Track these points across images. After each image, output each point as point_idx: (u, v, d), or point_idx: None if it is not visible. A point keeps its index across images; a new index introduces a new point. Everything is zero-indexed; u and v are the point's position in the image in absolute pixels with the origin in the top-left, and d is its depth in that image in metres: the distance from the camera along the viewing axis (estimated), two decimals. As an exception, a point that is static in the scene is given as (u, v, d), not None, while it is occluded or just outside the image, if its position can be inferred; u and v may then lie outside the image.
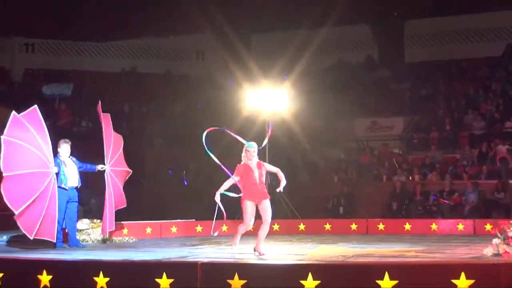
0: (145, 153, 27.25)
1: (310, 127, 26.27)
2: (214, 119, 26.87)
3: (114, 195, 15.99)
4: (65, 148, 15.14)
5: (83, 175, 15.54)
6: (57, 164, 14.81)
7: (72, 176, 15.08)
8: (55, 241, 14.65)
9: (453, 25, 30.28)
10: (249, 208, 12.91)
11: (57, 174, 14.77)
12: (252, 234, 13.58)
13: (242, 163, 13.26)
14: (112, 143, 16.11)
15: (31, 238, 14.18)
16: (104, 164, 15.75)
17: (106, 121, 16.02)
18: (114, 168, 16.04)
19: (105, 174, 15.79)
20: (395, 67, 30.56)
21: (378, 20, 30.45)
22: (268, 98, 21.16)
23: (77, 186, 15.25)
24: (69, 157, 15.20)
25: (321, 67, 30.10)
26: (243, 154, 13.28)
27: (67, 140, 15.30)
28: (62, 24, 29.02)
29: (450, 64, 29.61)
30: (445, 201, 21.57)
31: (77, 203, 15.28)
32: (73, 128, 27.02)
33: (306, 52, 26.51)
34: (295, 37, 28.06)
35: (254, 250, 12.78)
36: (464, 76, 28.86)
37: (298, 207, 20.20)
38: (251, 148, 13.22)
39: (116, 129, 17.06)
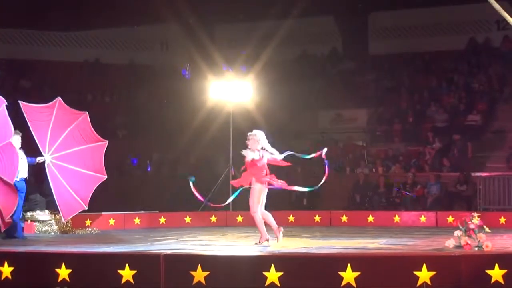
0: (109, 144, 27.04)
1: (275, 119, 26.26)
2: (178, 110, 26.85)
3: (75, 179, 15.94)
4: (15, 139, 14.89)
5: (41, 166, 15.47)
6: None
7: (23, 168, 14.92)
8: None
9: (417, 18, 30.36)
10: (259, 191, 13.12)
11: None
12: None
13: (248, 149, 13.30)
14: (51, 130, 15.95)
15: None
16: (42, 156, 15.63)
17: (32, 111, 15.86)
18: (60, 153, 15.94)
19: (45, 166, 15.67)
20: (359, 59, 30.61)
21: (342, 12, 30.46)
22: (232, 89, 21.11)
23: (26, 178, 15.12)
24: (20, 149, 15.01)
25: (285, 58, 30.07)
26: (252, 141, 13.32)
27: (18, 132, 15.07)
28: (25, 13, 28.68)
29: (414, 56, 29.72)
30: (407, 193, 21.70)
31: (24, 195, 15.17)
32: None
33: (271, 43, 26.48)
34: (260, 28, 28.00)
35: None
36: (427, 69, 28.98)
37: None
38: (254, 135, 13.55)
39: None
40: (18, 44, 31.16)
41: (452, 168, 22.58)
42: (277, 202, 20.92)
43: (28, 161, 15.25)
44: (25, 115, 15.66)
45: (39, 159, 15.53)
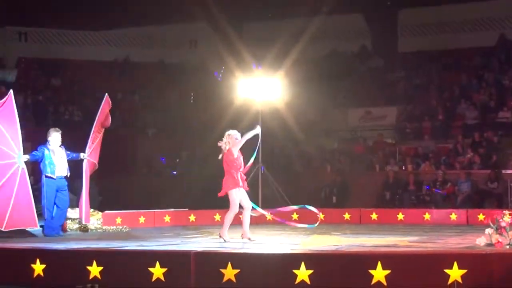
0: (138, 142, 27.24)
1: (304, 117, 26.26)
2: (207, 108, 26.91)
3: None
4: (55, 136, 15.00)
5: (73, 164, 15.49)
6: (41, 152, 14.74)
7: (60, 165, 14.93)
8: (37, 227, 14.66)
9: (447, 14, 30.20)
10: (237, 195, 13.35)
11: (41, 162, 14.75)
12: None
13: (226, 149, 13.49)
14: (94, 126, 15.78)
15: (3, 229, 14.14)
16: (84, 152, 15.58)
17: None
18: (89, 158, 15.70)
19: (83, 163, 15.57)
20: (389, 57, 30.50)
21: (371, 9, 30.37)
22: (261, 87, 21.10)
23: (66, 175, 15.15)
24: (60, 146, 15.08)
25: (314, 56, 30.02)
26: (226, 141, 13.48)
27: (58, 129, 15.18)
28: (55, 13, 28.91)
29: (443, 53, 29.57)
30: (438, 190, 21.58)
31: (67, 191, 15.18)
32: (65, 116, 26.92)
33: (300, 41, 26.46)
34: (289, 26, 27.99)
35: (242, 237, 13.26)
36: (457, 66, 28.80)
37: (291, 197, 20.18)
38: (238, 136, 13.52)
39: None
40: (49, 43, 31.43)
41: (483, 165, 22.42)
42: (307, 200, 20.99)
43: (72, 157, 15.25)
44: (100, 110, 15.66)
45: (82, 155, 15.45)
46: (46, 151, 14.82)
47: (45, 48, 30.98)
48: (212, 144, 24.13)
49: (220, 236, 13.39)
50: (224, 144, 13.56)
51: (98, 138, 15.90)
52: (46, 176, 14.80)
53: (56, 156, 14.89)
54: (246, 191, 13.63)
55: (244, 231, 13.44)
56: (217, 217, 19.07)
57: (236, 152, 13.50)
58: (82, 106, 27.25)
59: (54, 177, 14.82)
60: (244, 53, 26.44)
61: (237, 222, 13.73)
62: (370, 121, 27.59)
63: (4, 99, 14.42)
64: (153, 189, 23.61)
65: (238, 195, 13.37)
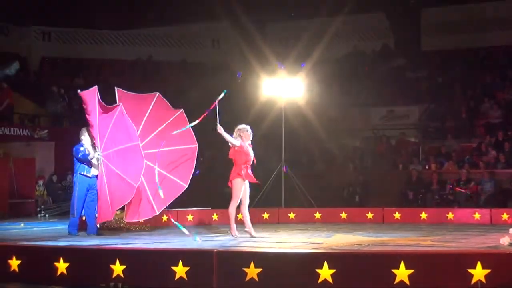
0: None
1: (326, 116, 26.23)
2: (230, 107, 26.91)
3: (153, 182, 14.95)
4: (88, 135, 15.02)
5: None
6: (82, 151, 14.80)
7: (94, 165, 14.95)
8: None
9: (470, 13, 30.13)
10: (240, 185, 13.66)
11: (80, 161, 14.82)
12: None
13: (238, 143, 13.83)
14: (143, 125, 15.20)
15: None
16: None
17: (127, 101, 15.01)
18: (145, 151, 14.81)
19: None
20: (411, 56, 30.41)
21: (394, 8, 30.32)
22: (284, 86, 21.13)
23: (97, 175, 15.08)
24: (92, 145, 15.03)
25: (337, 55, 30.03)
26: (239, 135, 13.95)
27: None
28: (78, 12, 29.09)
29: (466, 52, 29.46)
30: (461, 189, 21.49)
31: (96, 192, 15.06)
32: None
33: (322, 41, 26.46)
34: (311, 25, 27.99)
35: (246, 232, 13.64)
36: (481, 65, 28.70)
37: (314, 195, 20.19)
38: (249, 129, 13.97)
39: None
40: (72, 43, 31.61)
41: (507, 164, 22.31)
42: (329, 199, 21.00)
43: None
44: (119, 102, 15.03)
45: (90, 157, 15.30)
46: (84, 149, 14.85)
47: (68, 48, 31.17)
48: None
49: (232, 234, 13.65)
50: (234, 136, 13.94)
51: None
52: (80, 175, 14.85)
53: (90, 155, 14.85)
54: (253, 183, 13.70)
55: (249, 227, 13.78)
56: (240, 216, 19.07)
57: (245, 146, 13.77)
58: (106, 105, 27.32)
59: (90, 175, 14.87)
60: (267, 53, 26.45)
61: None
62: (392, 120, 27.54)
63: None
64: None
65: (241, 187, 13.59)
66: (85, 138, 15.00)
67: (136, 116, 14.98)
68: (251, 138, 13.99)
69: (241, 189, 13.61)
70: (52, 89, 27.04)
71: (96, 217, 14.96)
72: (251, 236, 13.64)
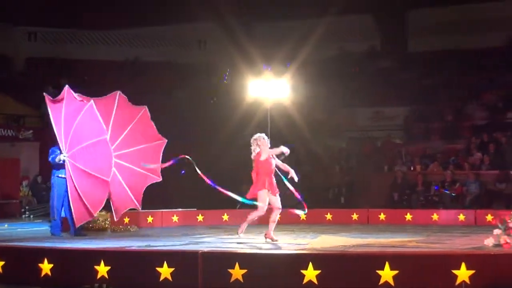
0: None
1: (312, 117, 26.24)
2: (216, 108, 26.93)
3: (129, 180, 15.75)
4: None
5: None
6: (56, 155, 14.77)
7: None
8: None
9: (456, 15, 30.16)
10: (266, 196, 13.27)
11: (57, 163, 14.78)
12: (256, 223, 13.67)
13: (255, 153, 13.44)
14: (111, 127, 15.56)
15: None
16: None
17: (55, 105, 15.20)
18: (118, 152, 15.55)
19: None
20: (398, 57, 30.47)
21: (381, 9, 30.36)
22: (270, 87, 21.13)
23: None
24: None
25: (323, 56, 30.03)
26: (256, 144, 13.48)
27: None
28: (65, 12, 29.00)
29: (453, 54, 29.51)
30: (446, 191, 21.54)
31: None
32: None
33: (309, 42, 26.46)
34: (298, 27, 28.00)
35: (266, 237, 13.35)
36: (467, 67, 28.77)
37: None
38: (265, 137, 13.63)
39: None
40: (58, 43, 31.49)
41: (492, 166, 22.38)
42: (315, 200, 20.98)
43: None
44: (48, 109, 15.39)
45: (58, 159, 15.36)
46: (58, 153, 14.83)
47: (54, 48, 31.05)
48: (221, 144, 24.34)
49: (238, 234, 13.56)
50: (253, 150, 13.54)
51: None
52: (58, 177, 14.84)
53: None
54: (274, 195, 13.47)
55: (268, 231, 13.46)
56: (225, 217, 19.10)
57: (265, 155, 13.40)
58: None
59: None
60: (253, 54, 26.44)
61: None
62: (379, 121, 27.57)
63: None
64: (162, 189, 23.57)
65: (267, 197, 13.30)
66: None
67: (103, 118, 15.15)
68: (268, 145, 13.64)
69: (267, 200, 13.33)
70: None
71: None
72: (273, 240, 13.32)
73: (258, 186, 13.32)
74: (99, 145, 14.62)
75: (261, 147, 13.46)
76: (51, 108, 14.88)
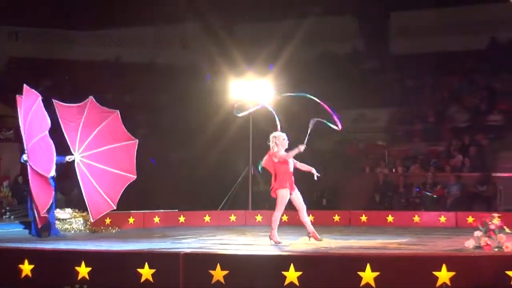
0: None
1: (295, 119, 26.21)
2: (198, 109, 26.86)
3: (104, 178, 15.94)
4: None
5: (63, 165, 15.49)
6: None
7: None
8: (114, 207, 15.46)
9: (439, 17, 30.25)
10: (287, 195, 13.18)
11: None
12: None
13: (274, 152, 13.34)
14: (81, 128, 15.90)
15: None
16: (72, 154, 15.65)
17: (64, 110, 15.85)
18: (89, 152, 15.88)
19: (75, 164, 15.63)
20: (381, 59, 30.52)
21: (363, 11, 30.39)
22: (252, 89, 21.09)
23: (54, 176, 15.15)
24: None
25: (306, 57, 30.02)
26: (274, 143, 13.42)
27: None
28: (46, 12, 28.86)
29: (435, 56, 29.58)
30: (427, 193, 21.60)
31: (54, 193, 15.18)
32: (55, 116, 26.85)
33: (291, 43, 26.45)
34: (281, 28, 27.98)
35: (310, 237, 13.14)
36: (449, 69, 28.85)
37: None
38: (285, 137, 13.62)
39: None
40: (39, 43, 31.32)
41: (473, 168, 22.47)
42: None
43: (57, 160, 15.24)
44: (57, 113, 15.66)
45: (68, 158, 15.49)
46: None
47: (36, 48, 30.89)
48: (202, 145, 24.31)
49: (271, 239, 13.08)
50: (271, 147, 13.43)
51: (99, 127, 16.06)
52: None
53: None
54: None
55: (309, 232, 13.28)
56: (207, 218, 19.07)
57: (279, 157, 13.30)
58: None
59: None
60: (235, 55, 26.40)
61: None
62: (362, 123, 27.59)
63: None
64: (143, 190, 23.54)
65: (286, 196, 13.20)
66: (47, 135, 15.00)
67: (74, 122, 15.78)
68: (286, 146, 13.57)
69: (287, 199, 13.22)
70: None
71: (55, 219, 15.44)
72: (318, 240, 13.11)
73: (278, 186, 13.19)
74: (43, 140, 14.83)
75: (278, 147, 13.39)
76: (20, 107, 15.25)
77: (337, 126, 13.73)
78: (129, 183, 16.35)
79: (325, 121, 14.01)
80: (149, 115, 28.49)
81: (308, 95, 14.52)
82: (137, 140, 16.67)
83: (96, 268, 9.00)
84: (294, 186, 13.44)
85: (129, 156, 16.45)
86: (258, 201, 20.33)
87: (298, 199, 13.41)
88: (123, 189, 16.23)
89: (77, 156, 15.66)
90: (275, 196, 13.28)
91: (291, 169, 13.48)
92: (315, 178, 13.63)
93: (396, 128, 26.80)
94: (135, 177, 16.39)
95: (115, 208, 16.23)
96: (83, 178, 15.61)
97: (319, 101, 14.25)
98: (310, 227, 13.31)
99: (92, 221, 16.08)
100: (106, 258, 9.41)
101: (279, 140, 13.48)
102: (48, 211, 14.82)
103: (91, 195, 15.66)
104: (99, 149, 16.09)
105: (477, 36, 29.17)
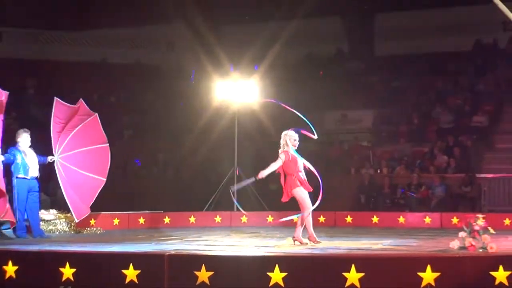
0: (114, 144, 27.01)
1: (280, 119, 26.22)
2: (184, 110, 26.86)
3: (78, 181, 15.96)
4: (25, 137, 14.98)
5: (47, 165, 15.47)
6: (13, 155, 14.68)
7: (33, 166, 14.93)
8: (14, 220, 14.60)
9: (423, 19, 30.32)
10: (303, 192, 13.14)
11: (12, 164, 14.68)
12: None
13: (284, 150, 13.17)
14: (64, 130, 15.97)
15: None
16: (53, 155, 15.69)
17: (61, 110, 15.87)
18: (66, 154, 15.90)
19: (55, 165, 15.65)
20: (365, 60, 30.57)
21: (348, 12, 30.44)
22: (238, 90, 21.11)
23: (37, 176, 15.11)
24: (29, 147, 15.05)
25: (291, 58, 30.04)
26: (285, 142, 13.25)
27: (27, 130, 15.14)
28: (31, 13, 28.73)
29: (419, 58, 29.67)
30: (412, 194, 21.65)
31: (38, 193, 15.15)
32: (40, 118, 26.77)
33: (277, 44, 26.46)
34: (266, 29, 27.98)
35: (310, 240, 13.08)
36: (433, 70, 28.95)
37: (266, 199, 20.19)
38: (297, 138, 13.35)
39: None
40: (24, 43, 31.18)
41: (457, 169, 22.55)
42: (282, 203, 20.93)
43: (39, 160, 15.22)
44: (53, 111, 15.64)
45: (50, 158, 15.49)
46: (17, 152, 14.76)
47: (20, 48, 30.76)
48: (188, 146, 24.30)
49: (310, 241, 13.04)
50: (282, 145, 13.31)
51: (76, 129, 16.05)
52: (18, 178, 14.73)
53: (27, 157, 14.88)
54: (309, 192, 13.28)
55: (309, 234, 13.23)
56: (192, 219, 19.07)
57: (286, 157, 13.20)
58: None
59: (28, 177, 14.79)
60: (221, 56, 26.39)
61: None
62: (346, 124, 27.64)
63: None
64: (129, 191, 23.52)
65: (304, 192, 13.14)
66: (21, 140, 14.95)
67: (63, 123, 15.96)
68: (295, 146, 13.46)
69: (307, 195, 13.13)
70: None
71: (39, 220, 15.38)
72: (301, 244, 13.00)
73: (291, 186, 13.10)
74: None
75: (289, 146, 13.28)
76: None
77: (313, 134, 13.57)
78: (101, 186, 16.48)
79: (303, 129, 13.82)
80: (135, 115, 28.45)
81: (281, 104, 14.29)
82: (107, 144, 16.83)
83: (80, 269, 8.98)
84: (308, 185, 13.34)
85: (102, 160, 16.57)
86: (243, 202, 20.32)
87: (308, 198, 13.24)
88: (97, 193, 16.39)
89: (56, 157, 15.64)
90: (286, 199, 13.19)
91: (301, 168, 13.28)
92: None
93: (381, 129, 26.85)
94: (105, 180, 16.53)
95: (89, 212, 16.31)
96: (62, 179, 15.61)
97: (295, 111, 14.02)
98: (300, 231, 13.22)
99: (76, 221, 16.06)
100: (91, 259, 9.38)
101: (290, 140, 13.34)
102: (14, 213, 14.72)
103: (71, 196, 15.70)
104: (74, 151, 16.11)
105: (462, 38, 29.29)
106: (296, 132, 13.36)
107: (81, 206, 15.99)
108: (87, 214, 16.25)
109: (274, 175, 13.46)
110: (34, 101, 27.56)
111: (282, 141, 13.30)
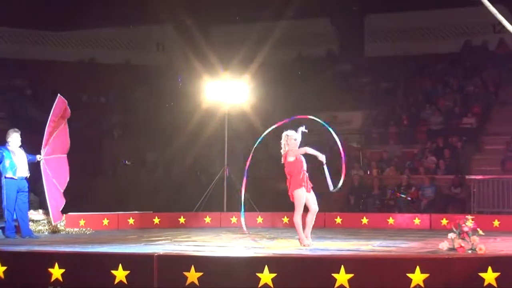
0: (104, 144, 27.02)
1: (270, 120, 26.21)
2: (174, 110, 26.83)
3: (58, 182, 15.93)
4: (15, 137, 14.92)
5: (35, 165, 15.42)
6: (0, 154, 14.63)
7: (21, 166, 14.87)
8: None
9: (413, 20, 30.39)
10: (303, 195, 13.11)
11: (0, 164, 14.63)
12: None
13: (285, 150, 13.28)
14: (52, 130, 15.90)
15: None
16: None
17: (60, 109, 15.87)
18: (48, 156, 15.81)
19: (41, 164, 15.61)
20: (355, 61, 30.60)
21: (338, 14, 30.46)
22: (228, 90, 21.10)
23: (27, 176, 15.07)
24: (19, 147, 15.00)
25: (281, 59, 30.05)
26: (285, 142, 13.32)
27: (17, 130, 15.08)
28: (19, 12, 28.62)
29: (409, 59, 29.73)
30: (402, 195, 21.68)
31: (27, 194, 15.11)
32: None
33: (267, 45, 26.46)
34: (256, 29, 27.99)
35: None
36: (423, 72, 29.02)
37: (256, 200, 20.18)
38: (296, 136, 13.40)
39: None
40: (12, 43, 31.08)
41: (447, 170, 22.59)
42: (271, 204, 20.99)
43: (29, 159, 15.18)
44: (53, 108, 15.62)
45: (39, 157, 15.45)
46: (6, 152, 14.71)
47: (7, 48, 30.65)
48: (178, 146, 24.27)
49: (303, 245, 12.90)
50: (283, 146, 13.33)
51: (56, 131, 15.94)
52: (6, 177, 14.68)
53: (16, 157, 14.81)
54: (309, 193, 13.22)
55: (305, 234, 13.10)
56: (182, 219, 19.03)
57: (292, 157, 13.24)
58: (46, 107, 26.94)
59: (16, 177, 14.73)
60: (211, 56, 26.37)
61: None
62: (336, 125, 27.61)
63: None
64: (118, 191, 23.48)
65: (303, 195, 13.07)
66: (11, 140, 14.90)
67: (56, 122, 15.91)
68: (297, 146, 13.47)
69: (304, 198, 13.08)
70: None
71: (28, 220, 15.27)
72: (303, 245, 12.87)
73: (294, 186, 13.09)
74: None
75: (290, 147, 13.25)
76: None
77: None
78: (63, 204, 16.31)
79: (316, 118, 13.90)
80: (125, 116, 28.40)
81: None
82: (65, 155, 16.47)
83: (69, 269, 8.95)
84: (311, 185, 13.35)
85: (65, 170, 16.36)
86: (233, 203, 20.31)
87: (312, 199, 13.33)
88: (62, 204, 16.26)
89: (40, 157, 15.57)
90: (293, 199, 13.12)
91: (305, 168, 13.26)
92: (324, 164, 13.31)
93: (371, 130, 26.88)
94: (62, 191, 16.31)
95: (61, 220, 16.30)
96: (46, 177, 15.65)
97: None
98: (303, 233, 13.12)
99: (53, 224, 16.05)
100: (80, 260, 9.35)
101: (290, 141, 13.35)
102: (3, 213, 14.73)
103: (53, 197, 15.73)
104: (51, 156, 15.96)
105: (451, 40, 29.38)
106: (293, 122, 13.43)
107: (58, 210, 15.94)
108: (61, 220, 16.23)
109: (274, 176, 13.52)
110: (24, 101, 27.47)
111: (283, 142, 13.20)
